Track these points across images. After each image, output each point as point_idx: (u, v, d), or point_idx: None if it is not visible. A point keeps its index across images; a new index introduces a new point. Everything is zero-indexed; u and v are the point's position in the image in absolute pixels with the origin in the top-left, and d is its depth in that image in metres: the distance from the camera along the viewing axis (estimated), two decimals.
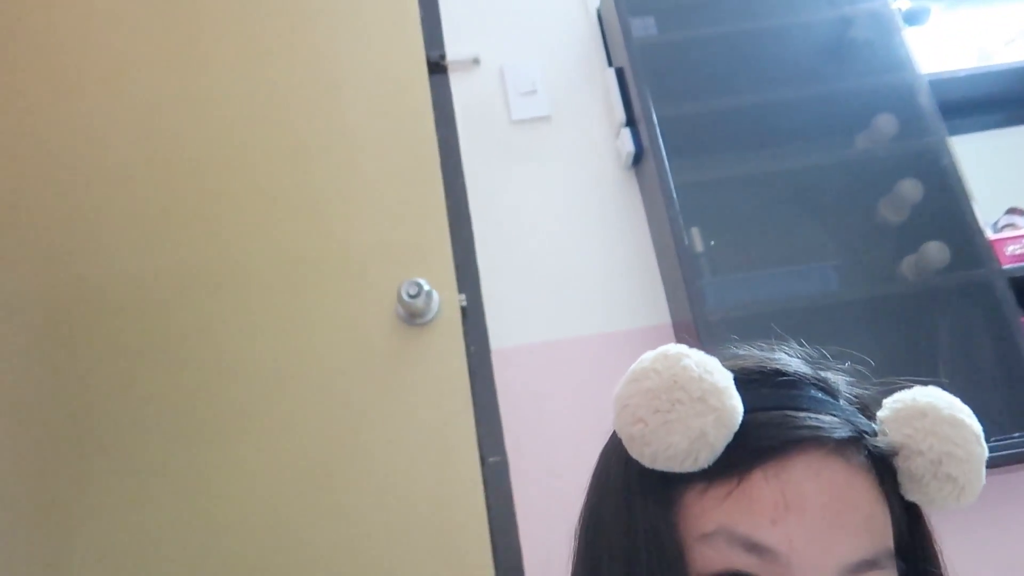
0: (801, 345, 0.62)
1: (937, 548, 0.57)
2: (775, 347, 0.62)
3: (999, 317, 1.51)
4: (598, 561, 0.55)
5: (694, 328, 1.48)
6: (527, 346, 1.65)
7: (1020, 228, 1.67)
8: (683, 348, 0.54)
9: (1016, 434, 1.42)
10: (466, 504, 1.49)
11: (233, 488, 1.50)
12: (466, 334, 1.61)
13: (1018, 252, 1.59)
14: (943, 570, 0.57)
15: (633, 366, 0.55)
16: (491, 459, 1.55)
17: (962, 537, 1.49)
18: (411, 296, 1.54)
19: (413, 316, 1.58)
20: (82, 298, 1.62)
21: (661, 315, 1.67)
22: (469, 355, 1.60)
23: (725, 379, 0.53)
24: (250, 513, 1.48)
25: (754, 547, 0.49)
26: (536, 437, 1.57)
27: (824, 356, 0.62)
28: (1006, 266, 1.54)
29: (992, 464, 1.55)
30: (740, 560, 0.49)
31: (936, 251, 1.58)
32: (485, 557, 1.46)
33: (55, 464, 1.52)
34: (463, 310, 1.63)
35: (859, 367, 0.62)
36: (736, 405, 0.52)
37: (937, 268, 1.58)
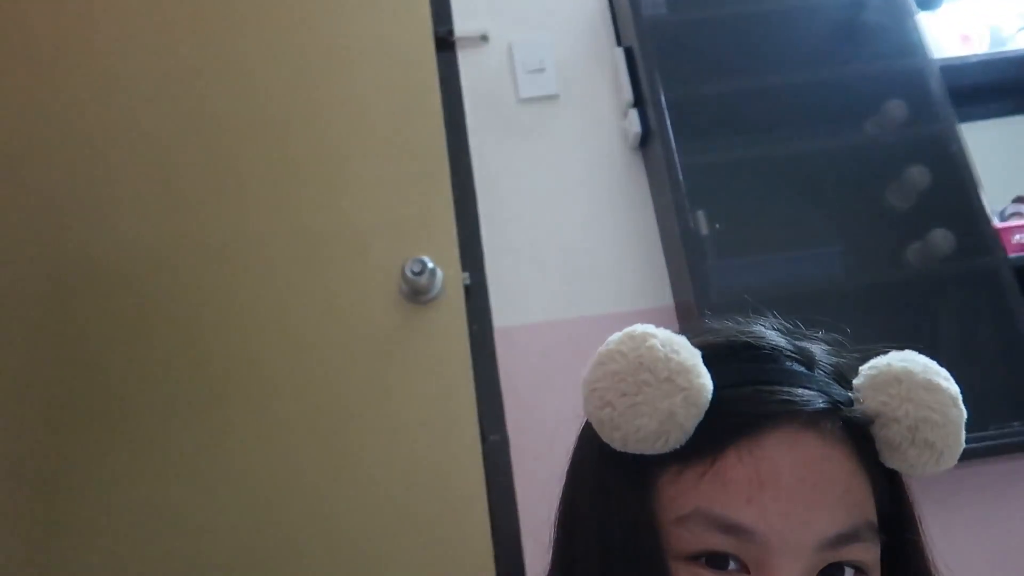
0: (775, 317, 0.61)
1: (918, 515, 0.57)
2: (750, 321, 0.60)
3: (1003, 306, 1.51)
4: (574, 547, 0.55)
5: (697, 311, 1.48)
6: (530, 325, 1.65)
7: None
8: (649, 328, 0.54)
9: (1016, 423, 1.42)
10: (466, 482, 1.50)
11: (233, 462, 1.51)
12: (469, 312, 1.61)
13: None
14: (923, 537, 0.56)
15: (600, 348, 0.54)
16: (492, 437, 1.56)
17: (964, 525, 1.50)
18: (415, 273, 1.54)
19: (416, 294, 1.58)
20: (84, 268, 1.62)
21: (664, 297, 1.67)
22: (472, 333, 1.60)
23: (692, 357, 0.52)
24: (250, 487, 1.49)
25: (730, 527, 0.48)
26: (537, 416, 1.57)
27: (798, 326, 0.61)
28: (1012, 255, 1.53)
29: (993, 452, 1.55)
30: (716, 541, 0.49)
31: (942, 239, 1.58)
32: (484, 534, 1.47)
33: (54, 435, 1.53)
34: (467, 288, 1.63)
35: (836, 336, 0.61)
36: (705, 383, 0.51)
37: (943, 256, 1.58)
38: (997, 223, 1.58)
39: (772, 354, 0.56)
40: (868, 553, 0.51)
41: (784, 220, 1.73)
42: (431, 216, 1.65)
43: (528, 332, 1.65)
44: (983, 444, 1.37)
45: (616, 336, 0.54)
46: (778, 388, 0.52)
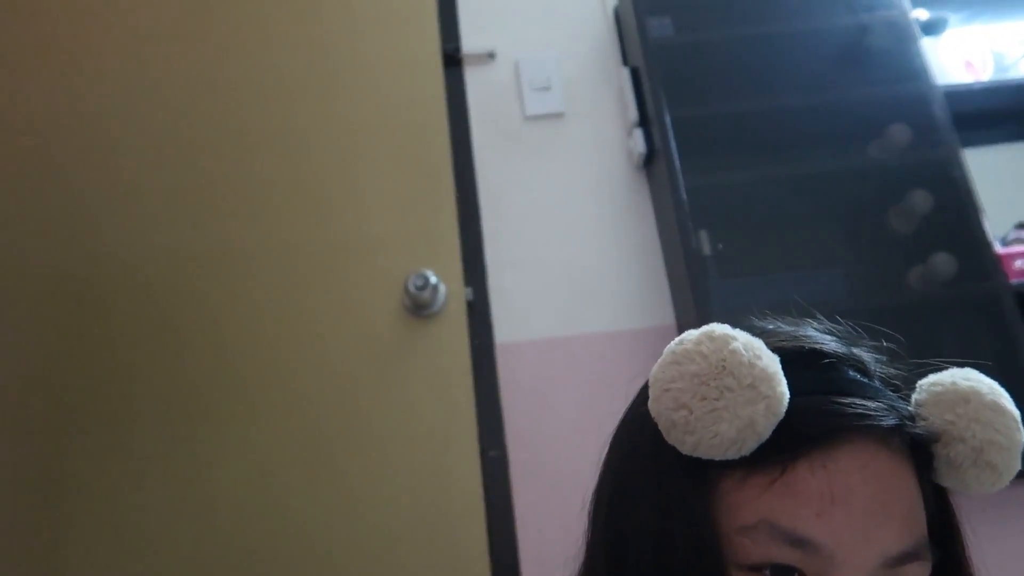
0: (835, 321, 0.60)
1: (963, 529, 0.56)
2: (801, 321, 0.59)
3: (1004, 331, 1.51)
4: (625, 543, 0.53)
5: None
6: (531, 341, 1.66)
7: None
8: (728, 329, 0.52)
9: None
10: (464, 496, 1.50)
11: (234, 473, 1.51)
12: (471, 327, 1.62)
13: None
14: (967, 550, 0.56)
15: (672, 347, 0.52)
16: (491, 452, 1.56)
17: None
18: (418, 288, 1.55)
19: (419, 308, 1.59)
20: (85, 282, 1.63)
21: (666, 316, 1.67)
22: (473, 348, 1.61)
23: (774, 364, 0.50)
24: (250, 498, 1.49)
25: (798, 541, 0.47)
26: (536, 432, 1.57)
27: (855, 331, 0.60)
28: (1013, 281, 1.54)
29: None
30: (781, 553, 0.48)
31: (944, 263, 1.58)
32: (481, 549, 1.47)
33: (53, 447, 1.53)
34: (469, 303, 1.64)
35: (890, 344, 0.60)
36: (785, 392, 0.50)
37: (944, 280, 1.58)
38: (999, 249, 1.58)
39: (838, 363, 0.55)
40: (924, 570, 0.50)
41: (787, 242, 1.74)
42: (435, 231, 1.66)
43: (529, 348, 1.65)
44: None
45: (693, 334, 0.52)
46: (853, 401, 0.51)
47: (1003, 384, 1.59)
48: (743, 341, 0.51)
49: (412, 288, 1.55)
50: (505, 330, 1.66)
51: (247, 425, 1.53)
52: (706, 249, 1.66)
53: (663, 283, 1.70)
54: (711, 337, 0.51)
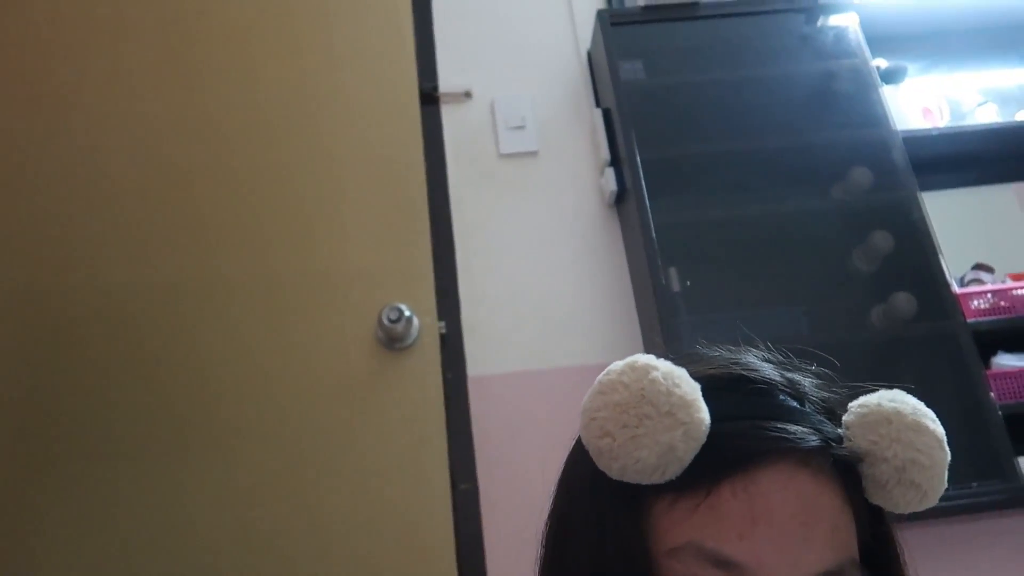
0: (769, 349, 0.62)
1: (900, 550, 0.58)
2: (743, 350, 0.61)
3: (963, 368, 1.55)
4: (567, 568, 0.56)
5: None
6: (503, 375, 1.67)
7: (985, 283, 1.73)
8: (651, 359, 0.54)
9: (975, 483, 1.46)
10: (435, 529, 1.50)
11: (206, 502, 1.49)
12: (444, 361, 1.63)
13: (983, 307, 1.65)
14: (905, 570, 0.58)
15: (600, 377, 0.54)
16: (462, 486, 1.56)
17: None
18: (391, 321, 1.56)
19: (392, 341, 1.60)
20: (65, 307, 1.61)
21: (636, 351, 1.68)
22: (446, 382, 1.61)
23: (693, 391, 0.52)
24: (222, 527, 1.48)
25: (721, 562, 0.49)
26: (508, 466, 1.58)
27: (789, 357, 0.62)
28: (971, 319, 1.59)
29: (951, 513, 1.57)
30: (707, 574, 0.49)
31: (904, 302, 1.63)
32: None
33: (28, 474, 1.51)
34: (442, 337, 1.65)
35: (826, 370, 0.62)
36: (704, 418, 0.51)
37: (905, 318, 1.63)
38: (957, 289, 1.63)
39: (767, 388, 0.56)
40: None
41: (753, 279, 1.78)
42: (410, 265, 1.67)
43: (501, 382, 1.66)
44: (941, 504, 1.39)
45: (618, 365, 0.54)
46: (773, 424, 0.52)
47: (961, 420, 1.62)
48: (663, 371, 0.52)
49: (386, 321, 1.56)
50: (478, 364, 1.68)
51: (220, 455, 1.53)
52: (675, 286, 1.69)
53: (633, 318, 1.73)
54: (633, 367, 0.53)
